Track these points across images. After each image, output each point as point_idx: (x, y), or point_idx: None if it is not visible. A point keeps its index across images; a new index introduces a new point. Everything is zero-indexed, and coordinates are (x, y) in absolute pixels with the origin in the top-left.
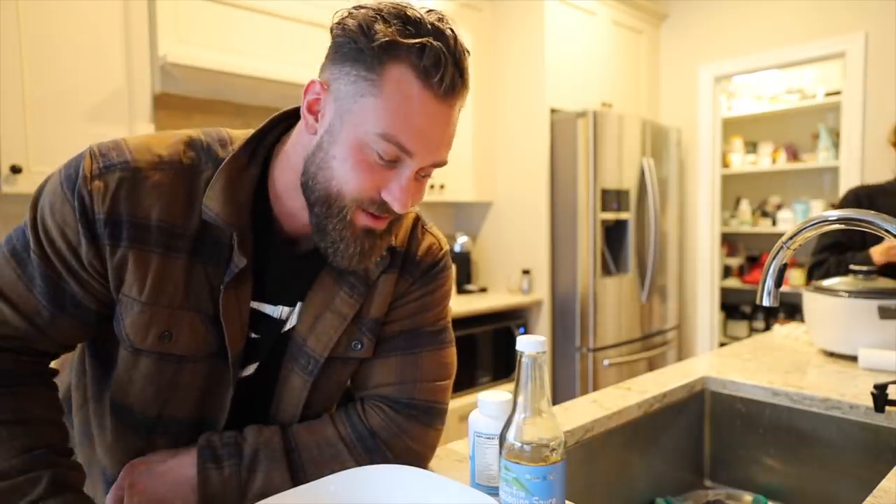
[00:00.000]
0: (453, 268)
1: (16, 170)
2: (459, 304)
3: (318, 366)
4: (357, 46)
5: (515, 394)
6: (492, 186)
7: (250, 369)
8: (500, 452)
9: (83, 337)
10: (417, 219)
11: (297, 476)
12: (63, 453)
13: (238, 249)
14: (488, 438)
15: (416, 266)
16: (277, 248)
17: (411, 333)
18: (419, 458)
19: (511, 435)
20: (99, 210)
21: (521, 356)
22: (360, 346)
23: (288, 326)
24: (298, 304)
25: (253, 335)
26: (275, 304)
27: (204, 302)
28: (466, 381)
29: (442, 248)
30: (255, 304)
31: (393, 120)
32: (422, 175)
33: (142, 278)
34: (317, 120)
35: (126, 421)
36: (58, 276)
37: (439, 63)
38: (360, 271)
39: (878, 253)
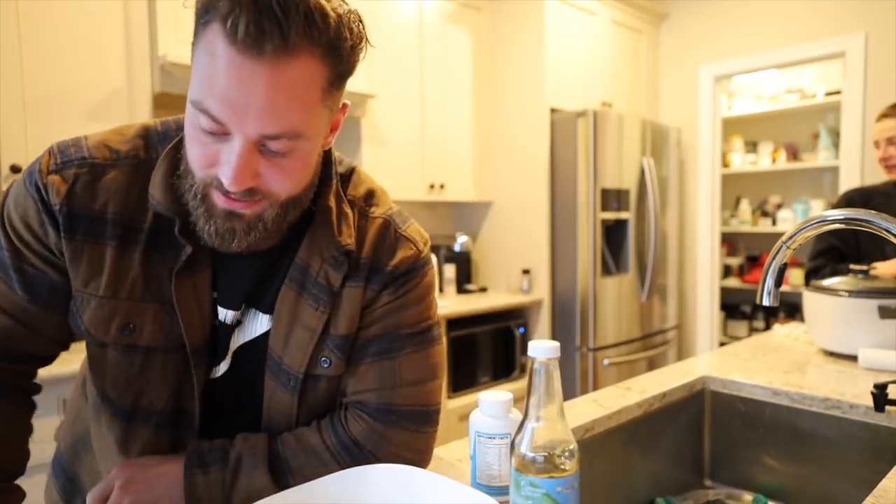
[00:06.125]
0: (433, 263)
1: (16, 169)
2: (459, 304)
3: (299, 382)
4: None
5: (527, 400)
6: (492, 186)
7: (221, 368)
8: (516, 465)
9: (69, 327)
10: (387, 224)
11: (281, 481)
12: (3, 477)
13: (180, 235)
14: (489, 438)
15: (385, 275)
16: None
17: (387, 337)
18: (411, 464)
19: (526, 446)
20: (55, 202)
21: (533, 363)
22: (328, 364)
23: (246, 336)
24: (263, 314)
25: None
26: (225, 306)
27: (165, 292)
28: (467, 381)
29: (420, 255)
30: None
31: (199, 85)
32: (272, 151)
33: (98, 272)
34: None
35: (108, 409)
36: (30, 265)
37: (233, 9)
38: (322, 282)
39: (885, 267)
